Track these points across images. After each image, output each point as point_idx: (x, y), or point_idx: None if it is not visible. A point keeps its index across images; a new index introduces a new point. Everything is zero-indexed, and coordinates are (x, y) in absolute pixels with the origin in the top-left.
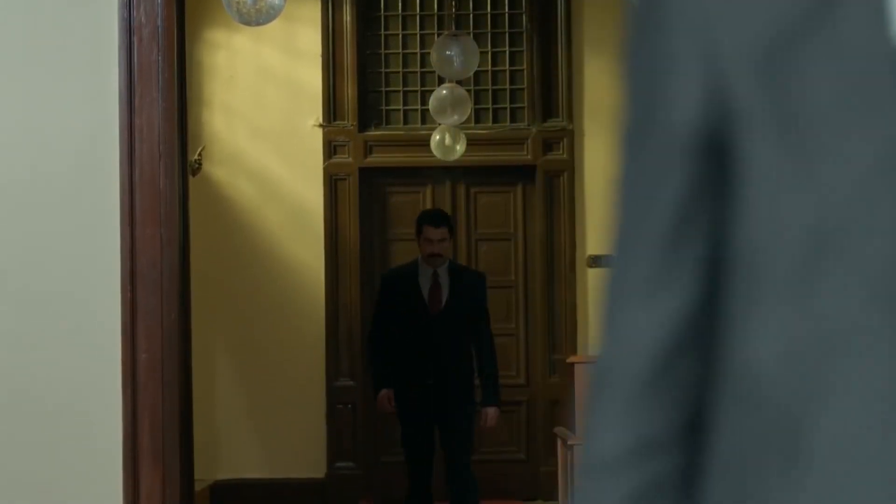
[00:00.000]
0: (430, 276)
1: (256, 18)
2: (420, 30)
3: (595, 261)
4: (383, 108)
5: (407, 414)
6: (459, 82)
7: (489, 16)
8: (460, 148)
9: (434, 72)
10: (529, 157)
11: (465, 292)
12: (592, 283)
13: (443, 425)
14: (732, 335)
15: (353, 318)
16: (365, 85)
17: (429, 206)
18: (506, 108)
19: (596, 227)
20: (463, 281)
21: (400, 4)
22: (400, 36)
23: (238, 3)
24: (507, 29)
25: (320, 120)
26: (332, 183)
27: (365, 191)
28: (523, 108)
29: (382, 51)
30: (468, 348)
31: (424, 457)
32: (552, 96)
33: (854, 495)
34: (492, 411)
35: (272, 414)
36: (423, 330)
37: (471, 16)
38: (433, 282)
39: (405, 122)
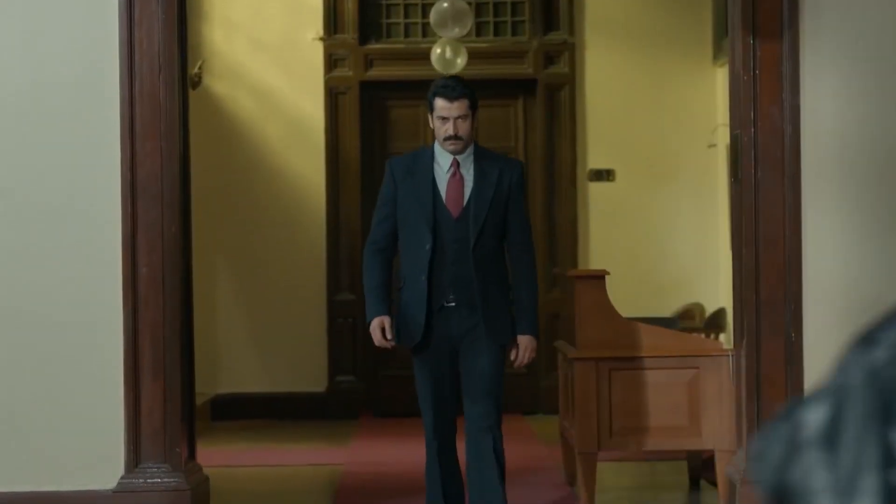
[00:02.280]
0: (448, 167)
1: None
2: None
3: (596, 174)
4: (384, 21)
5: (417, 353)
6: None
7: None
8: (461, 61)
9: None
10: (530, 70)
11: (495, 188)
12: (593, 196)
13: (464, 369)
14: None
15: (353, 233)
16: None
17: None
18: (507, 21)
19: (597, 142)
20: (493, 172)
21: None
22: None
23: None
24: None
25: (321, 33)
26: (333, 96)
27: (365, 104)
28: (524, 21)
29: None
30: (500, 264)
31: (444, 411)
32: (553, 9)
33: None
34: (525, 341)
35: (273, 328)
36: (439, 239)
37: None
38: (453, 174)
39: (406, 36)
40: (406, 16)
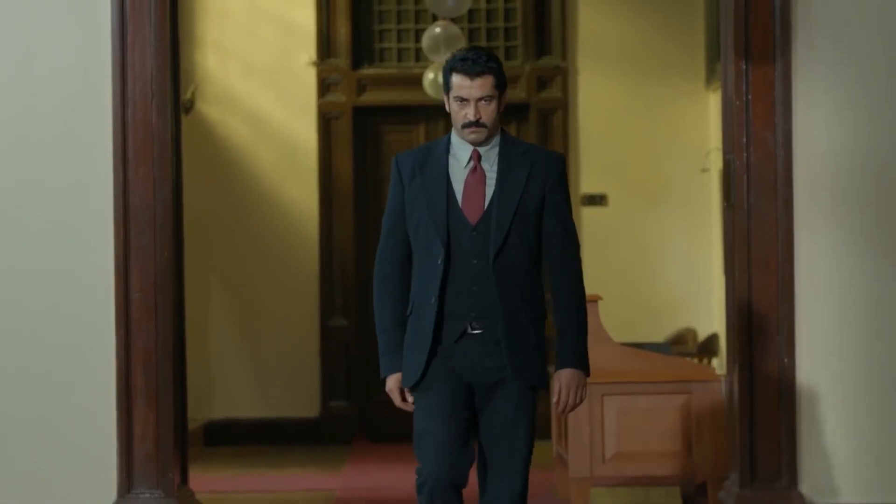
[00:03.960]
0: (467, 161)
1: None
2: None
3: (589, 199)
4: (377, 45)
5: (418, 392)
6: (453, 20)
7: None
8: None
9: (428, 10)
10: (523, 94)
11: (524, 186)
12: (586, 221)
13: (483, 424)
14: None
15: (346, 257)
16: (358, 23)
17: (420, 143)
18: (500, 46)
19: (590, 166)
20: (523, 167)
21: None
22: None
23: None
24: None
25: (314, 58)
26: (326, 121)
27: (358, 129)
28: (517, 45)
29: None
30: (532, 284)
31: (450, 460)
32: (546, 34)
33: None
34: (570, 377)
35: (266, 353)
36: (453, 251)
37: None
38: (472, 169)
39: (399, 60)
40: (399, 41)
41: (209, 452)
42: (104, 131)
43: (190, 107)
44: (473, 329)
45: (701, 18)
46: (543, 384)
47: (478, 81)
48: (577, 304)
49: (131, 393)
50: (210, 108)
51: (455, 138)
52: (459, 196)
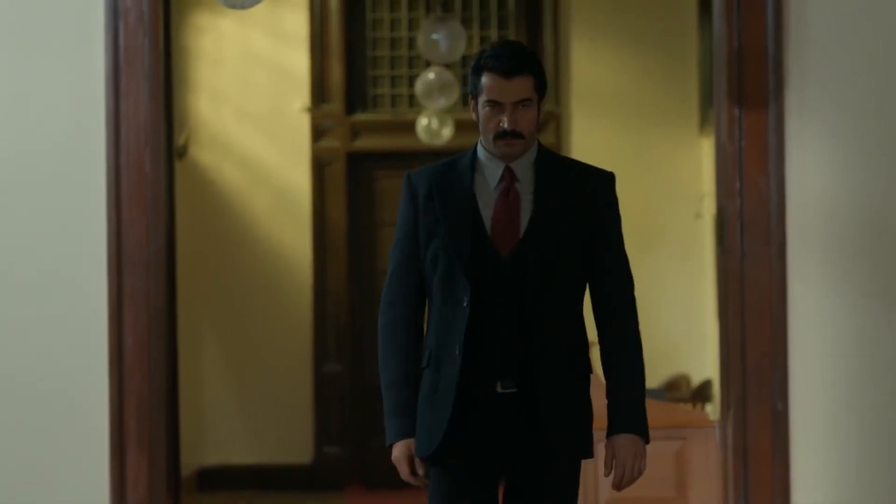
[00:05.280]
0: (498, 180)
1: (242, 2)
2: (408, 12)
3: None
4: (370, 91)
5: (434, 465)
6: (447, 66)
7: None
8: (447, 132)
9: (422, 56)
10: None
11: (569, 210)
12: None
13: (517, 496)
14: None
15: (340, 303)
16: (352, 68)
17: None
18: None
19: None
20: (566, 187)
21: None
22: (387, 19)
23: None
24: (495, 11)
25: (307, 103)
26: (319, 167)
27: (352, 175)
28: None
29: (370, 34)
30: (576, 331)
31: None
32: None
33: None
34: (627, 445)
35: (259, 399)
36: (481, 291)
37: None
38: (504, 191)
39: (393, 106)
40: (393, 86)
41: (202, 498)
42: (97, 176)
43: (183, 152)
44: (505, 388)
45: (694, 64)
46: (590, 453)
47: (515, 82)
48: (633, 356)
49: (124, 438)
50: (204, 154)
51: (483, 152)
52: (488, 223)
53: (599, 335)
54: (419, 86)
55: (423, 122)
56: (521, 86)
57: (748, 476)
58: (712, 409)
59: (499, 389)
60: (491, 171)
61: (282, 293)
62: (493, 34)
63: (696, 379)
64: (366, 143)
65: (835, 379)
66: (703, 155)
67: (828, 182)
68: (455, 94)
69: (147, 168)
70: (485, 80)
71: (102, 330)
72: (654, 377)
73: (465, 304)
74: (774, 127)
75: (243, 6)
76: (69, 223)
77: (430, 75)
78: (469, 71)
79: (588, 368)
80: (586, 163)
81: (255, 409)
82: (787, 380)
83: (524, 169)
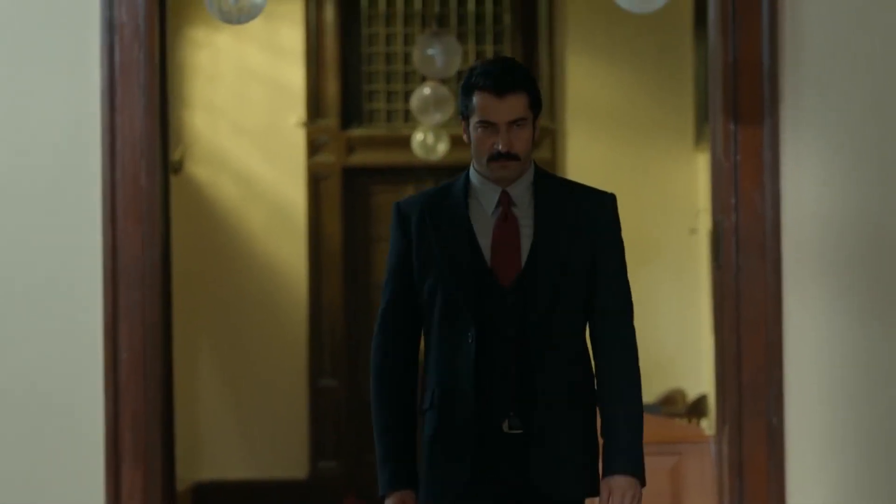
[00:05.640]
0: (494, 205)
1: (238, 17)
2: (403, 28)
3: None
4: (366, 106)
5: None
6: (443, 81)
7: (473, 13)
8: (443, 147)
9: (417, 71)
10: None
11: (571, 233)
12: None
13: None
14: None
15: (335, 319)
16: (348, 83)
17: None
18: None
19: None
20: (566, 209)
21: (383, 2)
22: (383, 34)
23: (220, 1)
24: (490, 27)
25: (303, 119)
26: (315, 181)
27: (347, 190)
28: None
29: (365, 49)
30: (580, 362)
31: None
32: None
33: None
34: (623, 485)
35: (254, 414)
36: (485, 323)
37: (454, 13)
38: (502, 216)
39: (388, 121)
40: (388, 101)
41: None
42: (93, 191)
43: (179, 167)
44: (512, 428)
45: (689, 79)
46: (595, 491)
47: (508, 100)
48: (630, 390)
49: (119, 453)
50: (199, 169)
51: (476, 176)
52: (487, 252)
53: (596, 366)
54: (415, 101)
55: (418, 137)
56: (514, 104)
57: (744, 491)
58: (708, 424)
59: (505, 429)
60: (486, 196)
61: (277, 308)
62: (489, 49)
63: (692, 394)
64: (361, 158)
65: (830, 394)
66: (699, 170)
67: (823, 197)
68: (450, 110)
69: (143, 182)
70: (476, 99)
71: (98, 344)
72: (650, 392)
73: (469, 340)
74: (770, 142)
75: (239, 21)
76: (65, 237)
77: (426, 90)
78: (458, 90)
79: (593, 402)
80: (585, 184)
81: (250, 423)
82: (783, 395)
83: (521, 192)
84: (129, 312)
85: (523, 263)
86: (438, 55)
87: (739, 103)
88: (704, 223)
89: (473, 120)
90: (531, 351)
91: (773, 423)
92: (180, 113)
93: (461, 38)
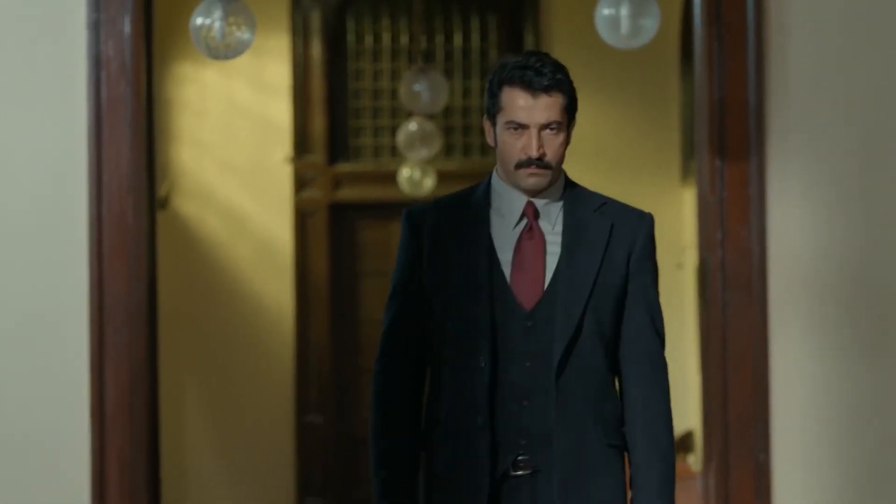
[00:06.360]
0: (518, 218)
1: (225, 52)
2: (390, 63)
3: None
4: (353, 142)
5: None
6: (429, 117)
7: (459, 49)
8: (430, 182)
9: (404, 106)
10: None
11: (602, 256)
12: None
13: None
14: None
15: (322, 354)
16: (334, 119)
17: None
18: (475, 144)
19: None
20: (599, 228)
21: (370, 38)
22: (370, 70)
23: (207, 37)
24: (477, 62)
25: (289, 154)
26: (302, 217)
27: (334, 225)
28: None
29: (352, 85)
30: (608, 398)
31: None
32: None
33: None
34: None
35: (241, 450)
36: (500, 350)
37: (441, 49)
38: (527, 230)
39: (375, 157)
40: (375, 137)
41: None
42: (79, 227)
43: (165, 203)
44: (520, 468)
45: (675, 115)
46: None
47: (543, 101)
48: (662, 428)
49: (105, 491)
50: (185, 204)
51: (499, 185)
52: (508, 269)
53: (625, 404)
54: (401, 136)
55: (405, 172)
56: (549, 106)
57: None
58: (695, 460)
59: (512, 472)
60: (510, 205)
61: (263, 344)
62: (476, 83)
63: (679, 430)
64: (348, 193)
65: (817, 430)
66: (685, 205)
67: (809, 233)
68: (437, 145)
69: (129, 219)
70: (506, 96)
71: (84, 382)
72: None
73: (482, 365)
74: (756, 178)
75: (226, 57)
76: (51, 273)
77: (413, 126)
78: (486, 83)
79: (622, 443)
80: (621, 201)
81: (236, 460)
82: (769, 431)
83: (549, 204)
84: (115, 349)
85: (546, 284)
86: (425, 91)
87: (726, 139)
88: (691, 259)
89: (501, 119)
90: (551, 382)
91: (759, 459)
92: (167, 148)
93: (448, 73)
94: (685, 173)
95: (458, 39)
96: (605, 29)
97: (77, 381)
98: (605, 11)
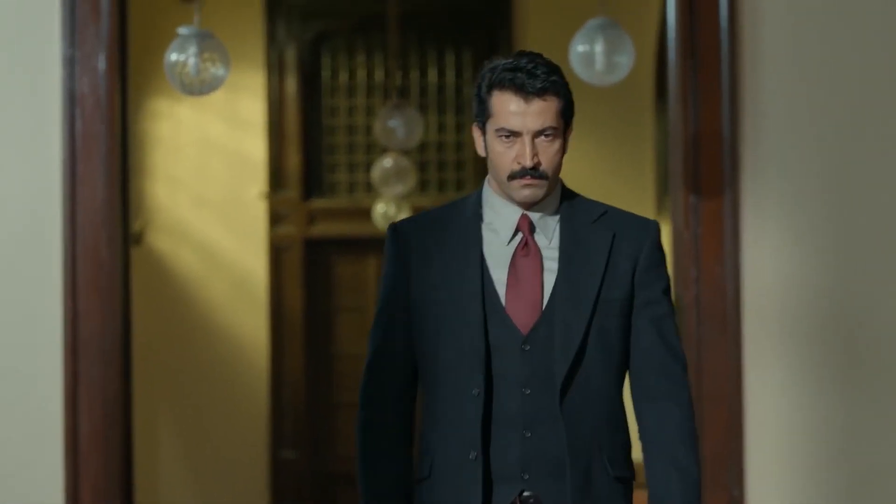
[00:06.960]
0: (512, 232)
1: (200, 88)
2: (365, 99)
3: None
4: (327, 178)
5: None
6: (404, 153)
7: (434, 85)
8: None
9: (378, 142)
10: None
11: (608, 272)
12: None
13: None
14: None
15: (297, 390)
16: (309, 155)
17: (374, 277)
18: (450, 179)
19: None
20: (599, 240)
21: (345, 74)
22: (345, 106)
23: (181, 73)
24: (452, 98)
25: (264, 190)
26: (276, 253)
27: (309, 261)
28: (468, 177)
29: (327, 121)
30: (617, 425)
31: None
32: None
33: None
34: None
35: (215, 486)
36: (496, 376)
37: (416, 85)
38: (522, 246)
39: (350, 192)
40: (350, 173)
41: None
42: (53, 263)
43: (140, 238)
44: (526, 502)
45: (650, 151)
46: None
47: (536, 105)
48: (686, 457)
49: None
50: (160, 240)
51: (491, 197)
52: (502, 289)
53: (641, 430)
54: (376, 172)
55: (380, 208)
56: (544, 111)
57: None
58: None
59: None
60: (503, 219)
61: (238, 379)
62: (450, 119)
63: None
64: (323, 229)
65: (791, 466)
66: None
67: (783, 269)
68: (412, 181)
69: (103, 254)
70: (496, 101)
71: (58, 417)
72: None
73: (475, 394)
74: (730, 213)
75: (201, 93)
76: (24, 309)
77: (387, 162)
78: (475, 87)
79: (631, 474)
80: (623, 209)
81: (211, 496)
82: (744, 467)
83: (545, 217)
84: (88, 385)
85: (544, 304)
86: (400, 127)
87: (700, 175)
88: None
89: (491, 127)
90: (553, 410)
91: (734, 496)
92: (141, 184)
93: (423, 109)
94: (660, 209)
95: (432, 75)
96: (579, 65)
97: (51, 417)
98: (579, 48)
